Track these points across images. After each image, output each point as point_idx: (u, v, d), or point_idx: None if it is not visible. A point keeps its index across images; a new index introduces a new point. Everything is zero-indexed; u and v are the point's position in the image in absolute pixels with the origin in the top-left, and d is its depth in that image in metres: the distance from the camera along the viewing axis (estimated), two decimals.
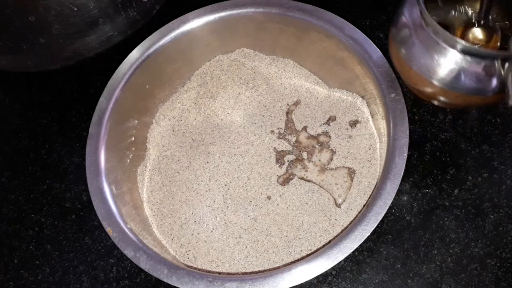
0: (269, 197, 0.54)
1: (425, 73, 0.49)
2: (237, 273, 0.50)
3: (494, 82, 0.47)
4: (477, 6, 0.53)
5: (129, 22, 0.68)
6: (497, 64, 0.46)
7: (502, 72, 0.46)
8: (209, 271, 0.51)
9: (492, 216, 0.53)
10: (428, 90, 0.50)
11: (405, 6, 0.50)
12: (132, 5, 0.67)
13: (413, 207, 0.54)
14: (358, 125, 0.56)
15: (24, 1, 0.61)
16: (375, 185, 0.50)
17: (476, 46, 0.46)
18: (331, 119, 0.57)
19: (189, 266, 0.51)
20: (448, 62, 0.47)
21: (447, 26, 0.53)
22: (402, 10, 0.51)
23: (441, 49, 0.47)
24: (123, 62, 0.55)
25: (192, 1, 0.61)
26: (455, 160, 0.56)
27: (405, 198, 0.55)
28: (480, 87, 0.48)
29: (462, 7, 0.54)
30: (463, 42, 0.45)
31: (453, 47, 0.46)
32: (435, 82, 0.49)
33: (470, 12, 0.54)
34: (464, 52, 0.46)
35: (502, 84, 0.46)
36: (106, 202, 0.49)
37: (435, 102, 0.54)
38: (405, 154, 0.46)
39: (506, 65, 0.46)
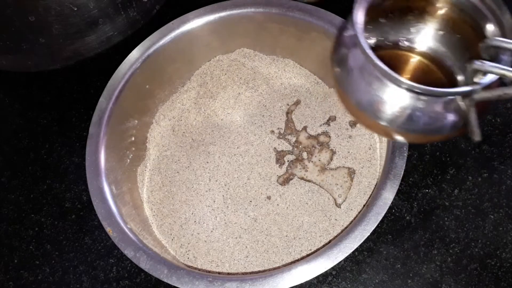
0: (269, 197, 0.54)
1: (369, 111, 0.40)
2: (237, 273, 0.50)
3: (456, 119, 0.40)
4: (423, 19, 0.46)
5: (129, 22, 0.68)
6: (455, 101, 0.39)
7: (463, 108, 0.39)
8: (209, 271, 0.51)
9: (492, 216, 0.53)
10: (377, 129, 0.43)
11: (347, 26, 0.42)
12: (132, 5, 0.67)
13: (413, 207, 0.54)
14: (358, 125, 0.56)
15: (24, 1, 0.61)
16: (375, 185, 0.50)
17: (430, 88, 0.37)
18: (331, 119, 0.57)
19: (189, 266, 0.51)
20: (396, 101, 0.39)
21: (388, 43, 0.46)
22: (342, 30, 0.43)
23: (385, 87, 0.39)
24: (123, 62, 0.55)
25: (192, 1, 0.61)
26: (455, 160, 0.56)
27: (405, 198, 0.55)
28: (439, 126, 0.40)
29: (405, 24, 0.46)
30: (413, 84, 0.37)
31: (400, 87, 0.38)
32: (383, 123, 0.41)
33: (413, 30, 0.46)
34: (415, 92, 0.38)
35: (464, 119, 0.39)
36: (106, 202, 0.49)
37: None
38: (405, 154, 0.46)
39: (467, 101, 0.39)
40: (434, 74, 0.46)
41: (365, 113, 0.41)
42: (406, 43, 0.46)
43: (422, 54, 0.47)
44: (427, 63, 0.47)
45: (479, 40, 0.40)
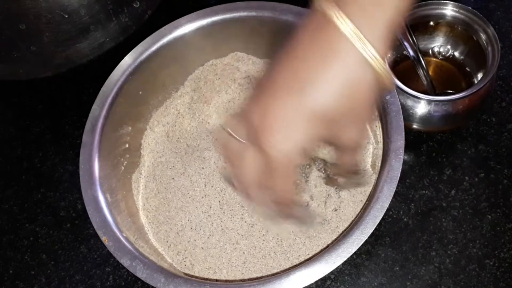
0: None
1: None
2: (234, 280, 0.50)
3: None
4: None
5: (121, 28, 0.68)
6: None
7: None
8: (207, 279, 0.50)
9: (489, 216, 0.53)
10: None
11: None
12: (124, 11, 0.67)
13: (410, 209, 0.54)
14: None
15: (14, 9, 0.60)
16: (372, 188, 0.50)
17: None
18: None
19: (186, 274, 0.51)
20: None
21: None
22: None
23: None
24: (115, 69, 0.55)
25: (184, 6, 0.61)
26: (451, 160, 0.56)
27: (402, 199, 0.55)
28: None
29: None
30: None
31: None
32: None
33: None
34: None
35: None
36: (101, 211, 0.48)
37: None
38: (401, 157, 0.46)
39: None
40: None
41: None
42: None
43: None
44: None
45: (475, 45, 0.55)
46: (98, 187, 0.50)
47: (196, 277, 0.50)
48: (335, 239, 0.50)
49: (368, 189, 0.52)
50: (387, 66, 0.36)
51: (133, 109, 0.57)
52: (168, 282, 0.45)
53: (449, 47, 0.59)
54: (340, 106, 0.36)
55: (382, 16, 0.35)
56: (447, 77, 0.59)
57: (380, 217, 0.44)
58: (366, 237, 0.44)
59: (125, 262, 0.46)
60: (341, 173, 0.47)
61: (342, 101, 0.36)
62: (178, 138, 0.58)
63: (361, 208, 0.49)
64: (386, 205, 0.45)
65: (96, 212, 0.48)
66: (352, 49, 0.34)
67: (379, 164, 0.48)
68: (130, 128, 0.56)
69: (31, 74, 0.67)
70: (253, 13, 0.56)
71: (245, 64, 0.61)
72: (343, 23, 0.34)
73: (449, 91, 0.57)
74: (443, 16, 0.56)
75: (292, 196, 0.41)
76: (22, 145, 0.64)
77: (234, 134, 0.41)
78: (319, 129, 0.36)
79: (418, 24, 0.56)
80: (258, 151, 0.38)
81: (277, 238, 0.51)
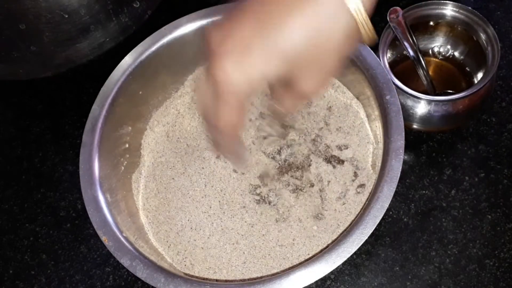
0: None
1: None
2: (234, 280, 0.50)
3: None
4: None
5: (121, 28, 0.68)
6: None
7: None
8: (207, 279, 0.50)
9: (489, 216, 0.53)
10: None
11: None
12: (124, 11, 0.67)
13: (411, 209, 0.54)
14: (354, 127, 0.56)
15: (14, 9, 0.60)
16: (372, 188, 0.50)
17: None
18: (327, 121, 0.56)
19: (186, 274, 0.51)
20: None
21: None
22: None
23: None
24: (115, 69, 0.55)
25: (184, 6, 0.61)
26: (451, 160, 0.56)
27: (402, 199, 0.55)
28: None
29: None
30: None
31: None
32: None
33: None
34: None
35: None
36: (101, 211, 0.48)
37: None
38: (401, 157, 0.46)
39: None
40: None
41: None
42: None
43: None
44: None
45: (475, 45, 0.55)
46: (98, 187, 0.50)
47: (196, 277, 0.50)
48: (335, 239, 0.50)
49: (368, 189, 0.52)
50: (369, 21, 0.34)
51: (133, 109, 0.57)
52: (168, 282, 0.44)
53: (449, 47, 0.59)
54: (307, 50, 0.33)
55: None
56: (447, 77, 0.59)
57: (380, 217, 0.44)
58: (366, 237, 0.44)
59: (125, 262, 0.46)
60: (273, 110, 0.43)
61: (307, 42, 0.33)
62: (178, 138, 0.58)
63: (361, 208, 0.49)
64: (386, 205, 0.45)
65: (96, 212, 0.48)
66: None
67: (379, 164, 0.48)
68: (130, 128, 0.56)
69: (31, 74, 0.67)
70: None
71: None
72: None
73: (449, 91, 0.57)
74: (443, 16, 0.56)
75: (236, 129, 0.38)
76: (22, 145, 0.64)
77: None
78: (277, 66, 0.34)
79: (418, 24, 0.56)
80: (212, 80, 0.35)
81: (277, 239, 0.51)
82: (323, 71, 0.36)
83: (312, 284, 0.43)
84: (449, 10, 0.55)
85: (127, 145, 0.56)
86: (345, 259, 0.43)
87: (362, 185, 0.52)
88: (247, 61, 0.34)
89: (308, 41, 0.33)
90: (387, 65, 0.52)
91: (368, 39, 0.35)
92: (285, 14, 0.33)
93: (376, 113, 0.51)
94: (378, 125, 0.52)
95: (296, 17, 0.33)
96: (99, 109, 0.53)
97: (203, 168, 0.56)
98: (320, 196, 0.53)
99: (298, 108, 0.39)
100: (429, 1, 0.55)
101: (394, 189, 0.45)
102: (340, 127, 0.55)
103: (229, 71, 0.34)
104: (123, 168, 0.55)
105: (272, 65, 0.34)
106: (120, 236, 0.47)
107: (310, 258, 0.48)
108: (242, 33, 0.34)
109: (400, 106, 0.48)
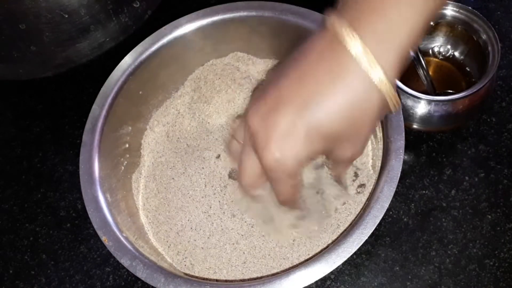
0: None
1: None
2: (234, 280, 0.50)
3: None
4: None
5: (121, 28, 0.68)
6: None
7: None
8: (207, 279, 0.50)
9: (489, 216, 0.53)
10: None
11: None
12: (124, 10, 0.67)
13: (411, 209, 0.54)
14: None
15: (14, 9, 0.60)
16: (372, 188, 0.50)
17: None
18: None
19: (186, 274, 0.50)
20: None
21: None
22: None
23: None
24: (115, 69, 0.55)
25: (184, 6, 0.61)
26: (451, 160, 0.56)
27: (402, 199, 0.55)
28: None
29: None
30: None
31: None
32: None
33: None
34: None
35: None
36: (101, 211, 0.48)
37: None
38: (401, 157, 0.46)
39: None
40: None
41: None
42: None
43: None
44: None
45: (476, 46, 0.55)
46: (98, 187, 0.50)
47: (196, 277, 0.50)
48: (335, 239, 0.50)
49: (368, 189, 0.52)
50: (395, 90, 0.37)
51: (133, 109, 0.57)
52: (168, 282, 0.44)
53: (449, 47, 0.59)
54: (341, 127, 0.36)
55: (394, 41, 0.35)
56: (447, 77, 0.59)
57: (380, 217, 0.44)
58: (366, 237, 0.43)
59: (125, 262, 0.46)
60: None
61: (344, 122, 0.36)
62: (178, 138, 0.58)
63: (361, 208, 0.49)
64: (386, 205, 0.45)
65: (96, 212, 0.48)
66: (360, 71, 0.34)
67: (379, 164, 0.48)
68: (130, 128, 0.56)
69: (31, 74, 0.67)
70: (253, 13, 0.56)
71: (245, 64, 0.60)
72: (354, 44, 0.34)
73: (449, 91, 0.57)
74: (443, 16, 0.56)
75: (294, 197, 0.42)
76: (22, 145, 0.64)
77: (235, 137, 0.41)
78: (316, 145, 0.37)
79: None
80: (256, 155, 0.39)
81: (277, 240, 0.51)
82: (358, 140, 0.39)
83: (312, 284, 0.43)
84: (449, 10, 0.55)
85: (127, 145, 0.56)
86: (345, 259, 0.43)
87: (362, 185, 0.52)
88: (289, 146, 0.37)
89: (343, 120, 0.36)
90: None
91: (394, 109, 0.38)
92: (318, 96, 0.36)
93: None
94: (378, 125, 0.52)
95: (329, 99, 0.35)
96: (99, 109, 0.53)
97: (203, 168, 0.56)
98: (321, 196, 0.53)
99: (344, 173, 0.47)
100: None
101: (394, 189, 0.45)
102: None
103: (275, 154, 0.37)
104: (123, 168, 0.55)
105: (315, 144, 0.37)
106: (120, 236, 0.47)
107: (310, 258, 0.48)
108: (280, 118, 0.36)
109: (400, 105, 0.48)
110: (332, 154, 0.39)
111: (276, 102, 0.37)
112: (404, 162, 0.50)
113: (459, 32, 0.57)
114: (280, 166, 0.37)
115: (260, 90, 0.40)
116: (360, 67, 0.34)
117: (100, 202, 0.49)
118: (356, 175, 0.53)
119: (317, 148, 0.37)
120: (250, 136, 0.38)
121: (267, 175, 0.39)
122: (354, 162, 0.53)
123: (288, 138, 0.36)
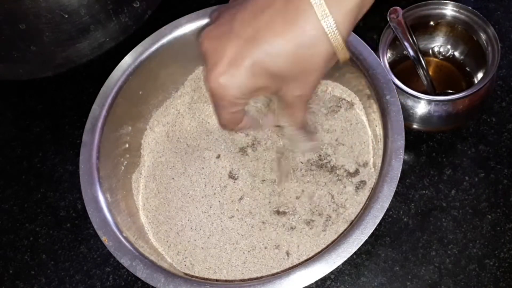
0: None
1: None
2: (234, 280, 0.50)
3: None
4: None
5: (121, 28, 0.68)
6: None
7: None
8: (207, 279, 0.50)
9: (489, 216, 0.53)
10: None
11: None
12: (124, 10, 0.67)
13: (411, 209, 0.54)
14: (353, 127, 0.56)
15: (14, 9, 0.60)
16: (372, 188, 0.50)
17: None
18: (327, 121, 0.57)
19: (186, 274, 0.51)
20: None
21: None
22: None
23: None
24: (115, 69, 0.55)
25: (184, 6, 0.61)
26: (451, 160, 0.56)
27: (402, 199, 0.55)
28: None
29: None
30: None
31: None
32: None
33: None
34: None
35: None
36: (101, 211, 0.48)
37: None
38: (401, 157, 0.46)
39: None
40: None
41: None
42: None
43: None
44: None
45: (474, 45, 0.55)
46: (98, 187, 0.49)
47: (196, 277, 0.50)
48: (335, 239, 0.50)
49: (368, 189, 0.52)
50: (344, 42, 0.37)
51: (133, 109, 0.57)
52: (168, 282, 0.44)
53: (449, 47, 0.59)
54: (286, 66, 0.38)
55: None
56: (447, 77, 0.59)
57: (380, 217, 0.44)
58: (366, 237, 0.43)
59: (125, 262, 0.46)
60: (289, 132, 0.48)
61: (289, 62, 0.37)
62: (178, 138, 0.58)
63: (361, 208, 0.49)
64: (386, 205, 0.45)
65: (96, 212, 0.48)
66: (313, 17, 0.36)
67: (379, 164, 0.48)
68: (130, 128, 0.56)
69: (31, 74, 0.67)
70: None
71: None
72: None
73: (449, 91, 0.57)
74: (443, 16, 0.56)
75: (234, 126, 0.45)
76: (22, 145, 0.64)
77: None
78: (260, 80, 0.38)
79: (418, 24, 0.56)
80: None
81: (276, 233, 0.51)
82: (306, 83, 0.40)
83: (312, 284, 0.43)
84: (449, 10, 0.55)
85: (127, 145, 0.56)
86: (345, 259, 0.43)
87: (362, 182, 0.52)
88: (233, 73, 0.38)
89: (288, 62, 0.38)
90: (387, 65, 0.52)
91: (343, 60, 0.39)
92: (268, 33, 0.37)
93: (376, 113, 0.51)
94: (378, 125, 0.52)
95: (279, 39, 0.37)
96: (99, 109, 0.53)
97: (203, 168, 0.56)
98: (321, 196, 0.53)
99: (301, 117, 0.45)
100: (429, 1, 0.55)
101: (394, 189, 0.45)
102: (340, 127, 0.55)
103: (219, 79, 0.39)
104: (123, 168, 0.55)
105: (258, 78, 0.39)
106: (120, 236, 0.47)
107: (310, 258, 0.48)
108: (228, 46, 0.38)
109: (400, 106, 0.48)
110: (280, 92, 0.41)
111: (229, 29, 0.39)
112: (404, 162, 0.50)
113: (459, 32, 0.57)
114: (222, 92, 0.39)
115: (217, 12, 0.42)
116: (314, 13, 0.36)
117: (100, 202, 0.49)
118: (357, 171, 0.53)
119: (261, 83, 0.39)
120: (201, 54, 0.40)
121: (210, 99, 0.41)
122: (356, 159, 0.53)
123: (233, 67, 0.38)
